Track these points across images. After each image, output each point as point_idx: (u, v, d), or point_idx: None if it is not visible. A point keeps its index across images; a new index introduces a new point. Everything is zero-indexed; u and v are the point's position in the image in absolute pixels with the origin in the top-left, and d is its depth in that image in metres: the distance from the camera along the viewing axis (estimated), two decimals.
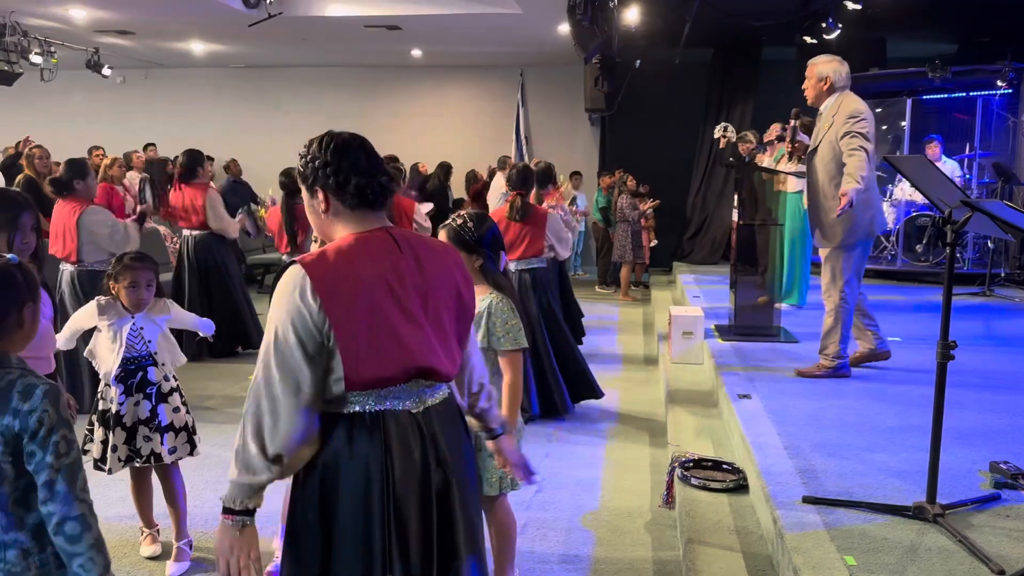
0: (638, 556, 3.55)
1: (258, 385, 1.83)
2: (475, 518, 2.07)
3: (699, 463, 3.90)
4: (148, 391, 3.39)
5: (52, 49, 10.30)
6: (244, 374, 6.47)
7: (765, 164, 7.26)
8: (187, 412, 3.52)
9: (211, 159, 13.13)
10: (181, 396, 3.50)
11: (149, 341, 3.41)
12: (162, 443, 3.36)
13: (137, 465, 3.40)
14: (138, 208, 5.91)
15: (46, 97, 12.69)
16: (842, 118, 4.64)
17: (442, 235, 2.90)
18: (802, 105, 5.85)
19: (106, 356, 3.38)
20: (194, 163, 6.97)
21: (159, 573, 3.39)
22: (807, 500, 3.05)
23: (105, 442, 3.36)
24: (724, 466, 3.85)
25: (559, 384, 5.37)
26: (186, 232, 7.09)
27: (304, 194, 1.98)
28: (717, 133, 8.14)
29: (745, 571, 2.96)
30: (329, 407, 1.88)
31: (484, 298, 2.85)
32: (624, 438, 5.14)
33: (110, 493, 3.98)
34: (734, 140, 7.41)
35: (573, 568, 3.43)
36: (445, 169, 11.60)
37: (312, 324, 1.79)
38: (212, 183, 7.75)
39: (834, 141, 4.67)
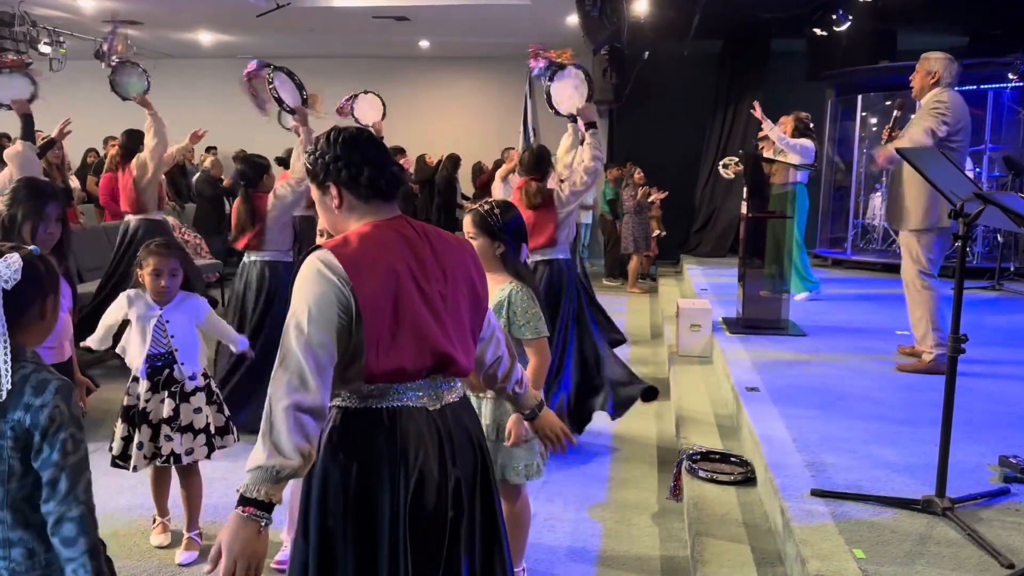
0: (645, 548, 3.55)
1: (286, 363, 1.76)
2: (492, 519, 2.04)
3: (707, 456, 3.90)
4: (173, 389, 3.36)
5: (61, 39, 10.31)
6: None
7: (768, 155, 7.25)
8: (219, 411, 3.48)
9: (214, 149, 13.18)
10: (209, 396, 3.46)
11: (172, 336, 3.36)
12: (180, 444, 3.36)
13: (158, 464, 3.39)
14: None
15: (55, 87, 12.68)
16: (928, 105, 4.77)
17: (467, 220, 2.89)
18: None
19: (134, 351, 3.37)
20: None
21: (168, 561, 3.41)
22: (815, 493, 3.04)
23: (127, 438, 3.34)
24: (732, 459, 3.85)
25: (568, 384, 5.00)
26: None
27: (315, 191, 1.97)
28: (722, 169, 8.25)
29: (753, 564, 2.96)
30: (345, 401, 1.87)
31: (504, 287, 2.84)
32: (631, 430, 5.14)
33: (120, 482, 3.99)
34: (741, 171, 7.37)
35: (580, 559, 3.44)
36: (453, 161, 11.59)
37: (339, 305, 1.77)
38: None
39: (915, 130, 4.75)
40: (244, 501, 1.72)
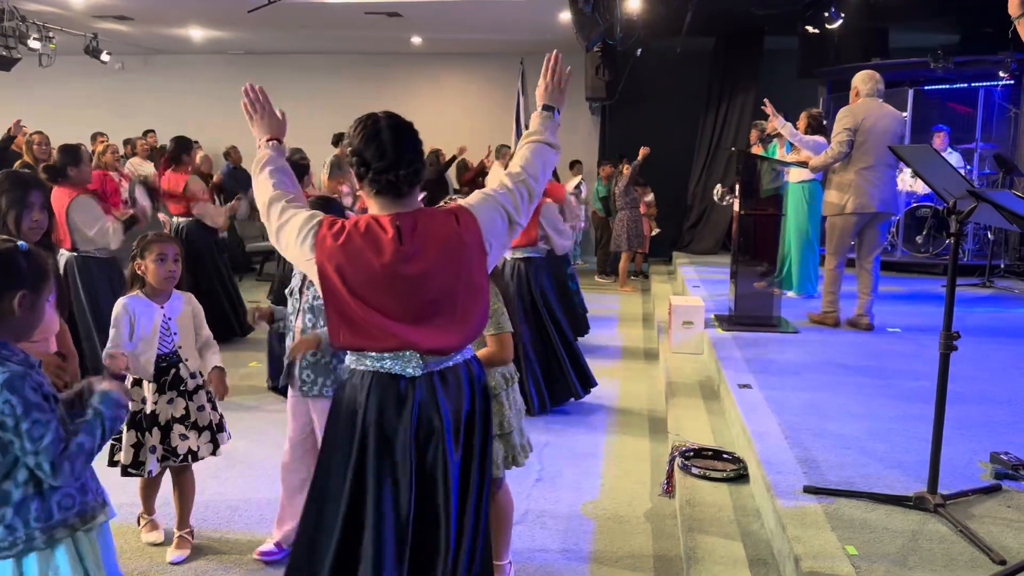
0: (638, 545, 3.55)
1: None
2: (470, 493, 2.23)
3: (699, 452, 3.90)
4: (181, 388, 3.32)
5: (50, 34, 10.22)
6: (229, 363, 6.48)
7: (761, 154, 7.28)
8: (212, 409, 3.44)
9: (197, 144, 13.11)
10: (208, 394, 3.42)
11: (175, 334, 3.32)
12: (196, 442, 3.34)
13: (174, 464, 3.35)
14: (128, 210, 5.77)
15: (45, 83, 12.62)
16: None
17: None
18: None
19: (145, 356, 3.26)
20: (180, 149, 7.04)
21: (159, 559, 3.39)
22: (808, 490, 3.05)
23: (137, 445, 3.27)
24: (725, 455, 3.85)
25: (539, 380, 5.32)
26: (176, 219, 7.05)
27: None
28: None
29: (746, 560, 2.96)
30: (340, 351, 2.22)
31: None
32: (624, 427, 5.14)
33: (108, 480, 3.96)
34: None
35: (573, 557, 3.43)
36: (435, 155, 11.53)
37: (311, 272, 2.11)
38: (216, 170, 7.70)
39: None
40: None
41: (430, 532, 2.17)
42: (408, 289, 2.08)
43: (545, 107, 2.51)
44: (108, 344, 3.21)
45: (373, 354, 2.15)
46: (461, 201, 2.28)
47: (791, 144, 7.25)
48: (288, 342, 3.31)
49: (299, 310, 3.23)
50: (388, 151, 2.07)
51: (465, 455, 2.23)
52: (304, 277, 3.29)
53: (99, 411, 1.94)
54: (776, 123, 6.90)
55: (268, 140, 2.36)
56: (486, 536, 2.31)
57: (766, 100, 6.92)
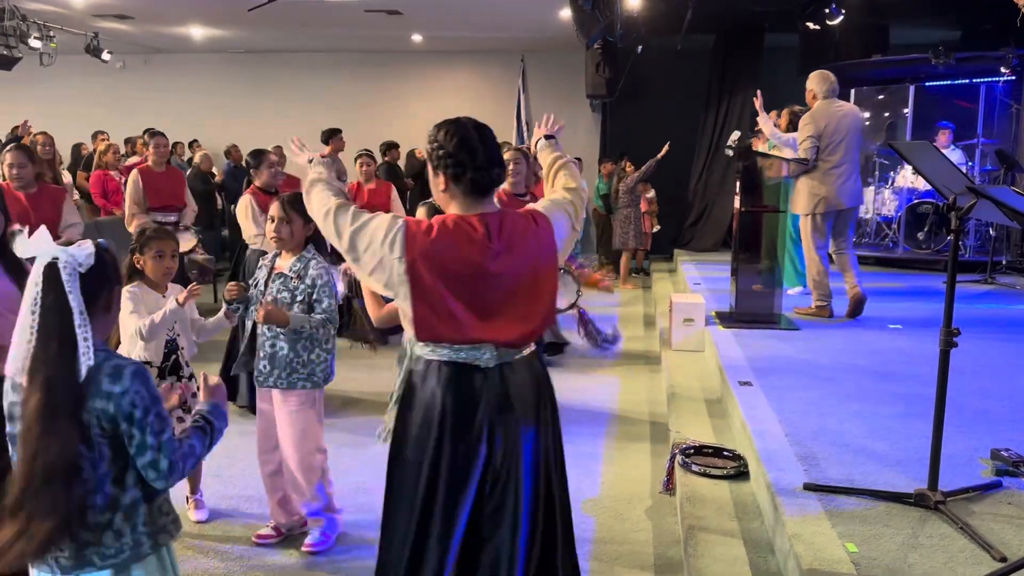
0: (638, 542, 3.55)
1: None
2: (545, 481, 2.32)
3: (700, 450, 3.90)
4: (179, 374, 3.46)
5: (51, 33, 10.23)
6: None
7: (760, 150, 7.24)
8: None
9: (196, 142, 13.07)
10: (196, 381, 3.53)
11: (175, 322, 3.43)
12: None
13: None
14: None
15: (46, 82, 12.62)
16: (800, 124, 6.24)
17: (421, 211, 3.11)
18: (803, 95, 6.22)
19: (155, 345, 3.39)
20: None
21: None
22: (808, 487, 3.05)
23: None
24: (725, 453, 3.85)
25: None
26: None
27: (429, 170, 2.29)
28: (728, 150, 8.16)
29: (746, 558, 2.96)
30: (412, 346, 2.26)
31: None
32: (624, 425, 5.14)
33: None
34: (748, 142, 7.29)
35: None
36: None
37: (394, 272, 2.16)
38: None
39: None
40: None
41: (500, 522, 2.25)
42: (493, 285, 2.21)
43: (546, 137, 2.83)
44: (154, 323, 3.28)
45: (451, 345, 2.23)
46: (534, 205, 2.43)
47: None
48: (252, 334, 3.49)
49: (262, 302, 3.36)
50: (481, 153, 2.22)
51: (536, 442, 2.31)
52: (270, 270, 3.37)
53: (210, 421, 1.97)
54: (760, 120, 6.92)
55: (318, 156, 2.60)
56: (567, 525, 2.41)
57: (758, 92, 6.92)
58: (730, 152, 7.54)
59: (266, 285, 3.42)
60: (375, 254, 2.19)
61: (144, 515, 1.84)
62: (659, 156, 9.95)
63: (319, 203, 2.33)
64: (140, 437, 1.77)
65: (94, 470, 1.76)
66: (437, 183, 2.27)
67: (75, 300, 1.76)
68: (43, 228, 1.81)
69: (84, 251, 1.79)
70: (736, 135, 7.15)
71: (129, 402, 1.76)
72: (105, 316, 1.88)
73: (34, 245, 1.78)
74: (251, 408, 4.56)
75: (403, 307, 2.21)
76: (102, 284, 1.84)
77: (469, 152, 2.21)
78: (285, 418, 3.40)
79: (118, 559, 1.81)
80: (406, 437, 2.28)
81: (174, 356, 3.44)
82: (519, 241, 2.25)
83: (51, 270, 1.76)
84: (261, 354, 3.41)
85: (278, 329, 3.34)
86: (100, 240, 1.88)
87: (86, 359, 1.74)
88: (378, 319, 3.15)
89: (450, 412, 2.22)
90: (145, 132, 12.04)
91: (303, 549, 3.47)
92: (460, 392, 2.22)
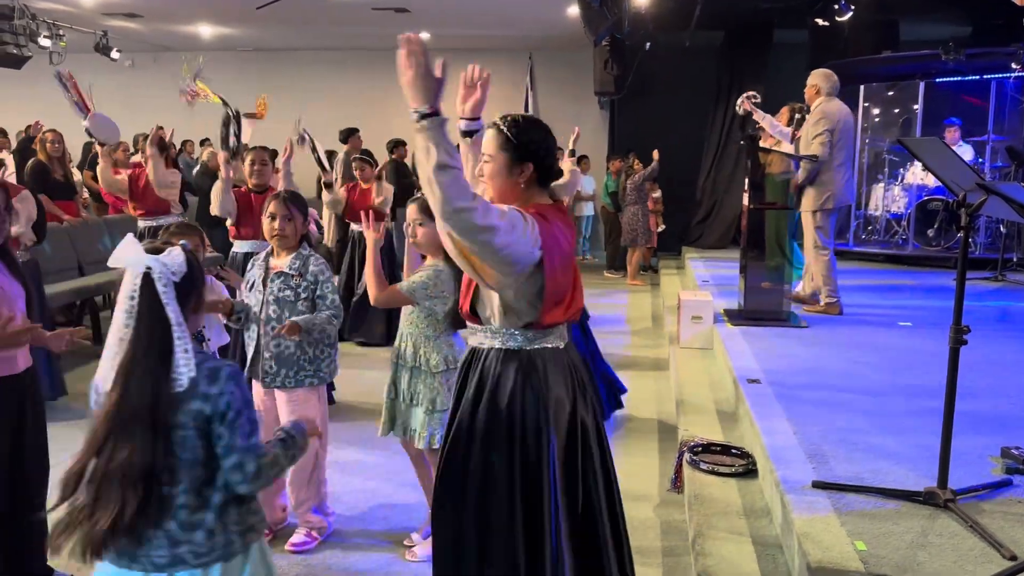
0: (647, 540, 3.55)
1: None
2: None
3: (708, 447, 3.89)
4: None
5: (61, 32, 10.27)
6: None
7: (769, 146, 7.20)
8: None
9: (207, 140, 13.10)
10: None
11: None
12: None
13: None
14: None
15: (55, 81, 12.69)
16: (812, 117, 6.24)
17: (411, 209, 3.17)
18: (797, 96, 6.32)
19: None
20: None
21: None
22: (817, 485, 3.04)
23: None
24: (733, 450, 3.84)
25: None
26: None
27: (505, 158, 2.23)
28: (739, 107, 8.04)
29: (754, 556, 2.96)
30: (493, 340, 2.26)
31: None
32: (632, 423, 5.13)
33: None
34: (757, 100, 7.21)
35: None
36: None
37: (528, 257, 2.10)
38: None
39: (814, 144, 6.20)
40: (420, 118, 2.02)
41: (594, 516, 2.32)
42: (572, 266, 2.33)
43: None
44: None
45: (553, 332, 2.29)
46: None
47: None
48: (248, 336, 3.42)
49: (264, 301, 3.35)
50: (554, 150, 2.32)
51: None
52: (266, 269, 3.36)
53: (294, 436, 1.98)
54: (757, 116, 6.92)
55: (424, 117, 2.02)
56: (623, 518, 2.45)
57: (750, 93, 6.92)
58: (740, 110, 7.41)
59: (264, 285, 3.37)
60: (521, 247, 2.07)
61: (236, 514, 1.85)
62: (654, 163, 10.23)
63: (459, 193, 1.96)
64: (229, 438, 1.78)
65: (189, 472, 1.77)
66: (515, 174, 2.21)
67: (173, 312, 1.75)
68: (130, 236, 1.80)
69: (176, 259, 1.78)
70: (750, 94, 7.08)
71: (225, 402, 1.78)
72: (195, 317, 1.88)
73: (123, 254, 1.77)
74: None
75: (530, 293, 2.17)
76: (192, 287, 1.84)
77: (552, 145, 2.31)
78: (287, 411, 3.38)
79: (211, 557, 1.82)
80: (521, 432, 2.23)
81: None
82: (571, 227, 2.39)
83: (146, 281, 1.75)
84: (267, 354, 3.36)
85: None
86: (183, 242, 1.87)
87: (188, 370, 1.75)
88: (378, 300, 3.18)
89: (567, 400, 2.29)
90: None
91: (286, 548, 3.45)
92: (563, 377, 2.29)
